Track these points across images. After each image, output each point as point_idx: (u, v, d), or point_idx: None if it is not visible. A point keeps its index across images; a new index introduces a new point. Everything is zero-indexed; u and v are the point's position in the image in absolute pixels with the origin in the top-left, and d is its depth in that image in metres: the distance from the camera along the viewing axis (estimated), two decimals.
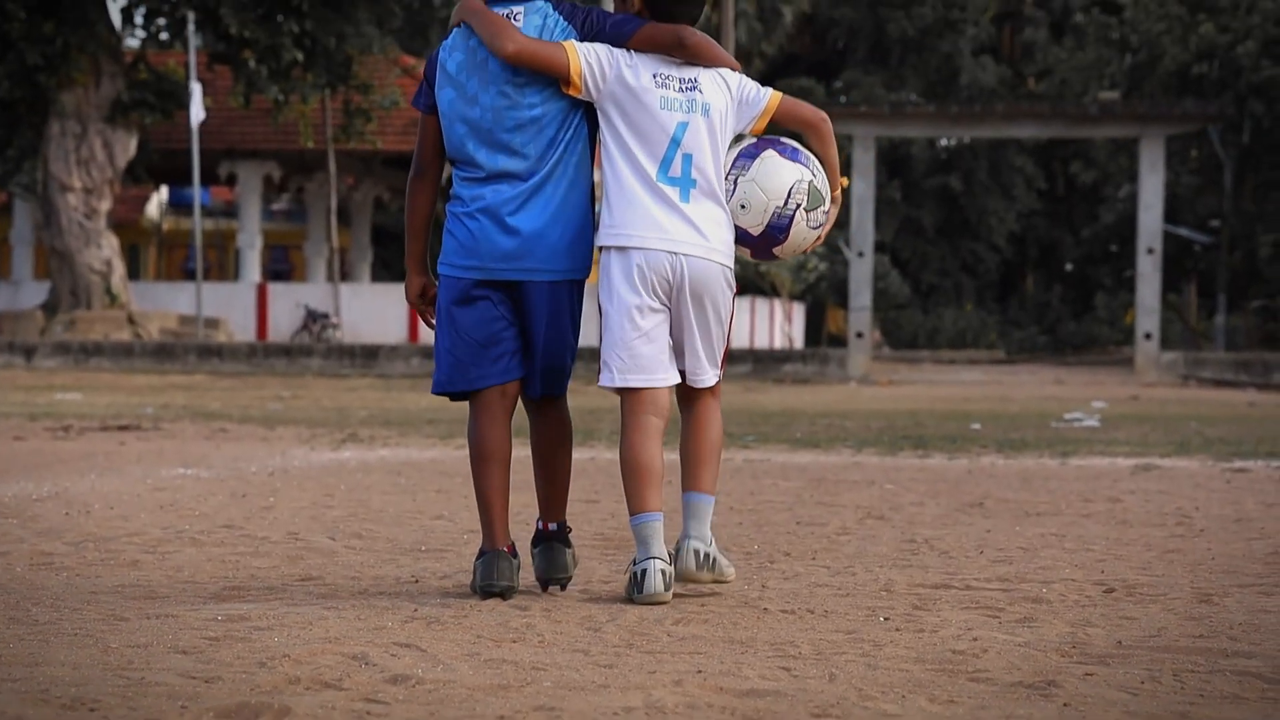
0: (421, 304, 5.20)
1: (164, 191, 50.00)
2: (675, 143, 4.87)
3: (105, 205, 34.13)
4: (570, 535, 5.22)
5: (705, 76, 4.93)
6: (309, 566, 5.68)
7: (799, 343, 50.58)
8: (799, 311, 52.10)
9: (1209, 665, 4.06)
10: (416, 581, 5.36)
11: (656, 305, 4.90)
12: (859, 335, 32.93)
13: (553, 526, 5.18)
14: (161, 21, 33.83)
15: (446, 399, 5.14)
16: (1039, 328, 62.94)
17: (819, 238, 5.03)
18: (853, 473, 9.81)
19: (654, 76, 4.88)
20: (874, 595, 5.16)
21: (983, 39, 66.32)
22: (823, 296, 54.99)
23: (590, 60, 4.85)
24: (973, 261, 63.87)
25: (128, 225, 48.06)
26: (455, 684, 3.75)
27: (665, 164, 4.87)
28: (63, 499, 7.83)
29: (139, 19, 33.90)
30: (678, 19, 4.91)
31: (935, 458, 11.13)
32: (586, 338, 7.10)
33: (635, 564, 4.92)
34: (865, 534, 6.76)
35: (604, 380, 4.98)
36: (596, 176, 5.01)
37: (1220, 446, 12.12)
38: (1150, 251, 33.32)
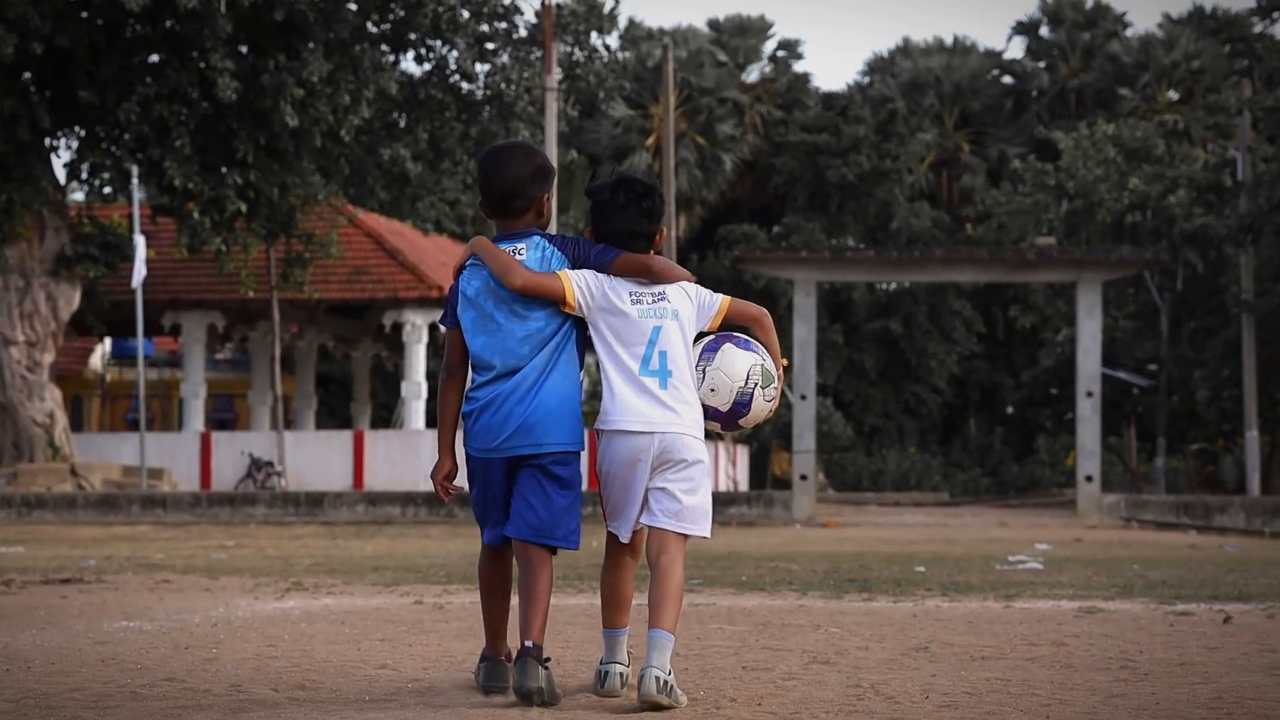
0: (444, 484, 6.34)
1: (108, 343, 49.91)
2: (652, 343, 6.05)
3: (48, 358, 34.06)
4: (548, 662, 5.97)
5: (671, 290, 6.12)
6: None
7: (744, 485, 50.60)
8: (743, 454, 52.17)
9: None
10: None
11: (642, 473, 6.01)
12: (803, 478, 32.97)
13: (529, 644, 5.93)
14: (106, 175, 33.94)
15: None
16: (982, 470, 63.15)
17: (772, 409, 6.19)
18: (798, 616, 9.80)
19: (630, 294, 6.08)
20: None
21: (920, 185, 67.07)
22: (767, 439, 55.10)
23: (581, 286, 6.05)
24: (915, 404, 64.17)
25: (71, 377, 47.91)
26: None
27: (645, 360, 6.04)
28: (3, 655, 7.75)
29: (83, 173, 34.00)
30: (633, 247, 6.13)
31: (880, 601, 11.12)
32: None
33: (601, 664, 6.09)
34: (811, 679, 6.75)
35: (614, 529, 6.11)
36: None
37: (1163, 589, 12.16)
38: (1089, 395, 33.55)
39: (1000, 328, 66.31)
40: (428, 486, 36.01)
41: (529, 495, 6.08)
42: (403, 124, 36.80)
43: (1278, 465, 49.15)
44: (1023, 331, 61.08)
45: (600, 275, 6.10)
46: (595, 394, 37.80)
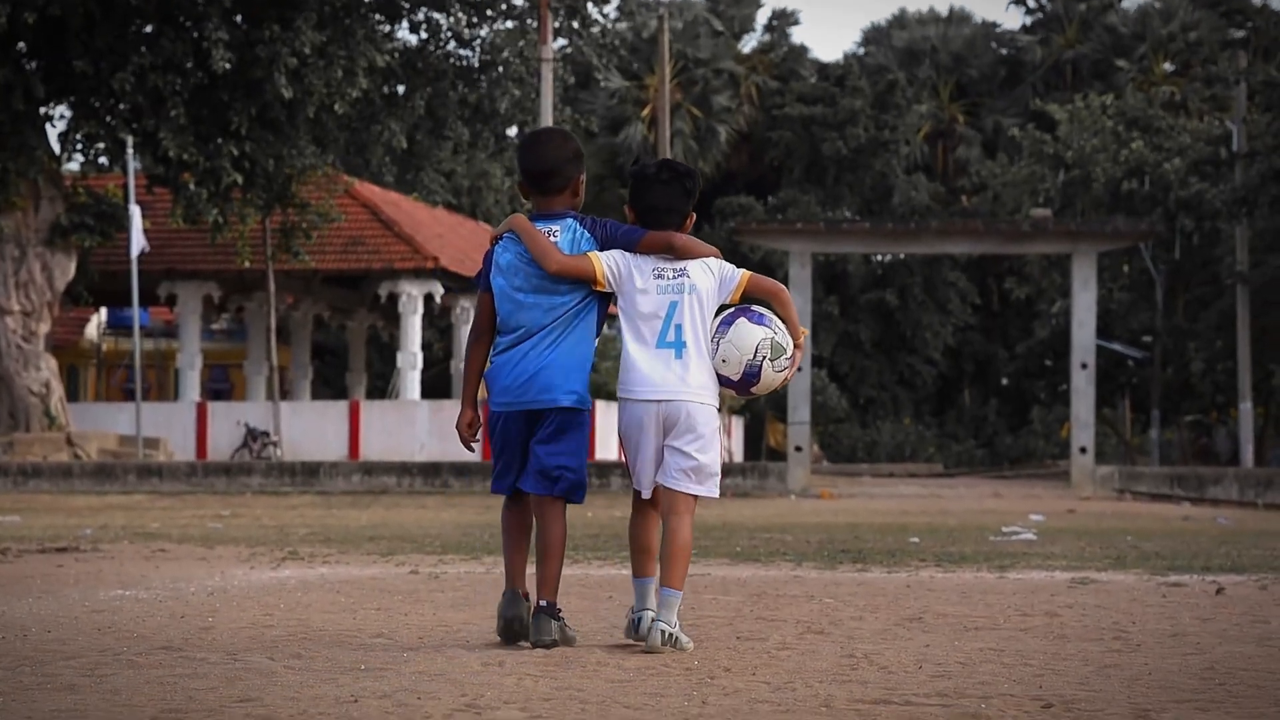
0: (467, 432, 6.82)
1: (103, 313, 49.88)
2: (669, 318, 6.52)
3: (44, 328, 34.05)
4: (561, 614, 6.58)
5: (693, 266, 6.58)
6: (247, 688, 5.65)
7: (739, 457, 50.64)
8: (738, 426, 52.20)
9: None
10: (356, 701, 5.34)
11: (656, 436, 6.52)
12: (798, 449, 33.00)
13: (544, 603, 6.54)
14: (100, 145, 33.88)
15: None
16: (976, 441, 63.19)
17: (786, 378, 6.63)
18: (792, 587, 9.82)
19: (653, 270, 6.56)
20: (814, 711, 5.16)
21: (916, 157, 66.98)
22: (761, 411, 55.14)
23: (610, 266, 6.55)
24: (910, 375, 64.20)
25: (67, 347, 47.88)
26: None
27: (662, 334, 6.52)
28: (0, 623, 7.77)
29: (78, 143, 33.95)
30: (666, 227, 6.59)
31: (874, 571, 11.15)
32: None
33: (634, 612, 6.66)
34: (805, 649, 6.77)
35: (639, 487, 6.62)
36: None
37: (1156, 561, 12.19)
38: (1084, 366, 33.56)
39: (995, 299, 66.32)
40: (424, 457, 36.06)
41: (540, 450, 6.58)
42: (400, 92, 36.73)
43: (1271, 437, 49.23)
44: (1017, 303, 61.09)
45: (627, 254, 6.58)
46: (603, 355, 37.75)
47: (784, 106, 65.64)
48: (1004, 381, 66.80)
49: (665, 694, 5.50)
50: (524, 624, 6.60)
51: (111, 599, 9.09)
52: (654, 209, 6.62)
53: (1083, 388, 33.77)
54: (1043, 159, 50.84)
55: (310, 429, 39.17)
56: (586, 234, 6.62)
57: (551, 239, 6.59)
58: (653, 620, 6.49)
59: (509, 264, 6.66)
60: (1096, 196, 48.02)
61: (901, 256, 60.65)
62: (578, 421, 6.62)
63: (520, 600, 6.65)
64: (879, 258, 62.49)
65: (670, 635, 6.45)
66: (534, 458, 6.60)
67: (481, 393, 6.88)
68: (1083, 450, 33.73)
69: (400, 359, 41.08)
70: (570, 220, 6.65)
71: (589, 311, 6.63)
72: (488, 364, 6.76)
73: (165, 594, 9.41)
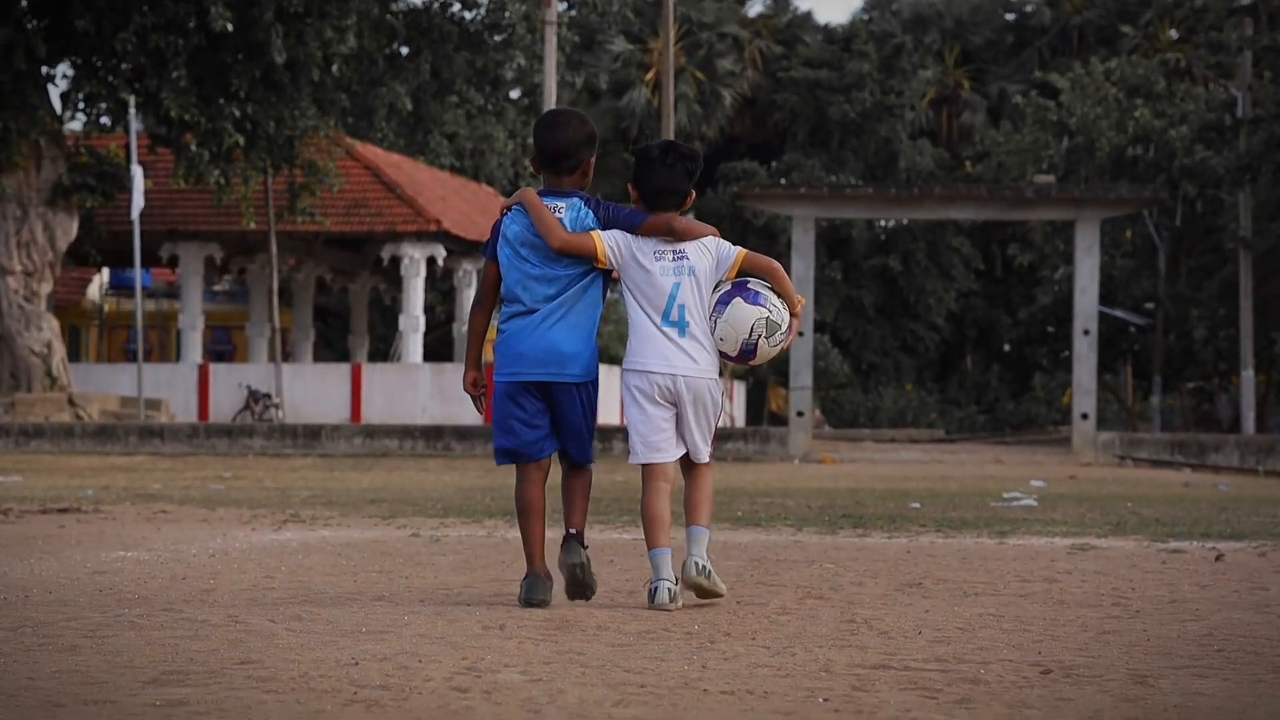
0: (474, 390, 7.10)
1: (105, 273, 49.85)
2: (672, 298, 6.87)
3: (46, 288, 34.04)
4: (586, 547, 6.97)
5: (691, 247, 6.92)
6: (248, 650, 5.66)
7: (740, 422, 50.64)
8: (740, 391, 52.20)
9: None
10: (356, 664, 5.35)
11: (663, 408, 6.89)
12: (800, 414, 33.00)
13: (572, 531, 6.93)
14: (102, 106, 33.82)
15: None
16: (978, 407, 63.18)
17: (782, 348, 7.03)
18: (793, 552, 9.84)
19: (654, 253, 6.88)
20: (813, 676, 5.18)
21: (921, 123, 66.84)
22: (764, 376, 55.14)
23: (612, 245, 6.86)
24: (912, 341, 64.16)
25: (69, 307, 47.86)
26: None
27: (666, 313, 6.87)
28: (1, 584, 7.79)
29: (80, 103, 33.89)
30: (668, 207, 6.92)
31: (875, 537, 11.17)
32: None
33: (651, 583, 6.87)
34: (805, 614, 6.79)
35: (632, 459, 6.99)
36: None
37: (1156, 527, 12.20)
38: (1086, 333, 33.53)
39: (998, 266, 66.24)
40: (425, 420, 36.09)
41: (558, 419, 6.92)
42: (404, 53, 36.65)
43: (1273, 404, 49.21)
44: (1020, 269, 60.99)
45: (628, 236, 6.91)
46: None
47: (789, 70, 65.48)
48: (1006, 347, 66.77)
49: (666, 658, 5.51)
50: (547, 605, 6.83)
51: (113, 560, 9.10)
52: (658, 190, 6.94)
53: (1085, 354, 33.75)
54: (1046, 126, 50.72)
55: (312, 391, 39.18)
56: (590, 214, 6.93)
57: (557, 215, 6.88)
58: (686, 557, 6.88)
59: (516, 235, 6.94)
60: (1100, 163, 47.92)
61: (905, 222, 60.56)
62: (587, 391, 6.94)
63: (543, 582, 6.89)
64: (882, 223, 62.40)
65: (703, 567, 6.86)
66: (566, 431, 6.95)
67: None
68: (1084, 416, 33.72)
69: (402, 322, 41.05)
70: (576, 200, 6.95)
71: (593, 286, 6.94)
72: (492, 331, 7.07)
73: (166, 555, 9.43)
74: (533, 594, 6.83)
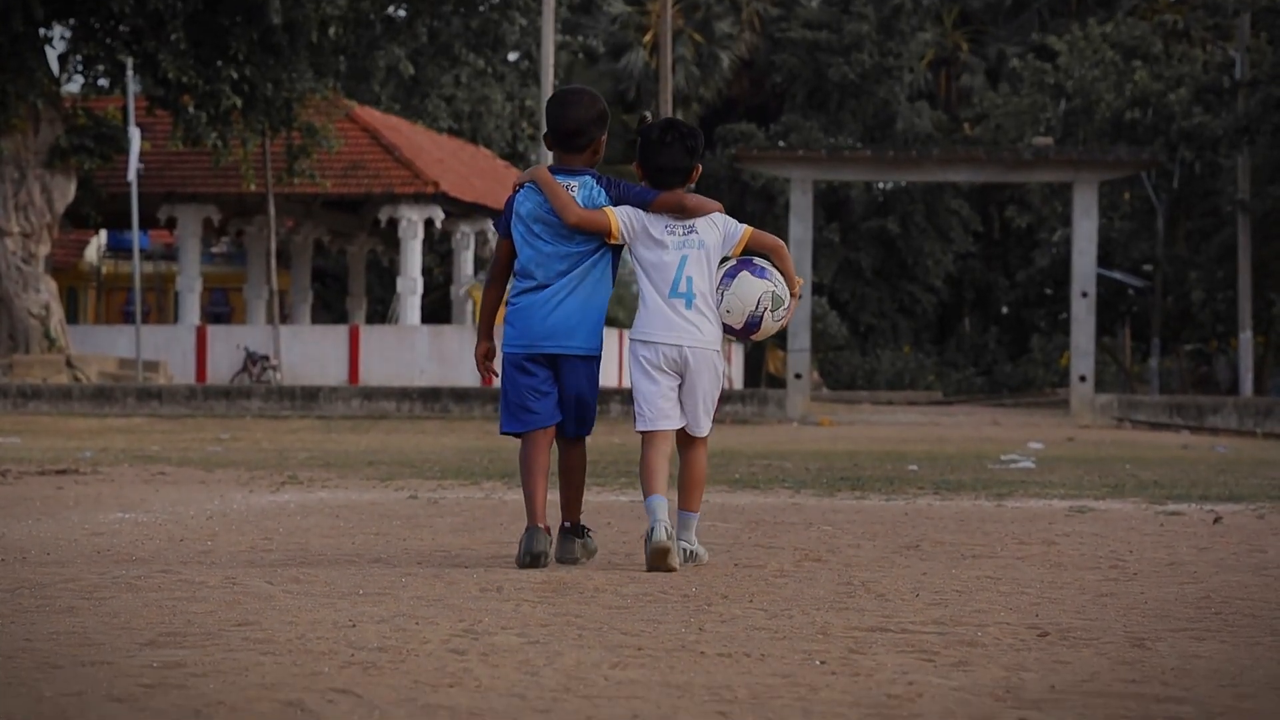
0: (485, 361, 7.25)
1: (103, 235, 49.80)
2: (680, 270, 7.04)
3: (44, 249, 34.02)
4: (586, 531, 7.18)
5: (700, 222, 7.09)
6: (246, 611, 5.66)
7: (739, 384, 50.65)
8: (738, 353, 52.21)
9: (1141, 711, 4.09)
10: (354, 625, 5.35)
11: (668, 378, 7.05)
12: (797, 376, 33.02)
13: (567, 524, 7.12)
14: (100, 68, 33.75)
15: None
16: (976, 369, 63.20)
17: (783, 323, 7.21)
18: (790, 514, 9.84)
19: (665, 228, 7.06)
20: (810, 638, 5.18)
21: (920, 85, 66.71)
22: (755, 342, 55.12)
23: (625, 221, 7.04)
24: (910, 303, 64.15)
25: (66, 269, 47.83)
26: None
27: (674, 285, 7.04)
28: None
29: (77, 65, 33.81)
30: (672, 185, 7.07)
31: (872, 499, 11.18)
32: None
33: (648, 527, 6.92)
34: (802, 576, 6.79)
35: (637, 426, 7.13)
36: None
37: (1154, 489, 12.21)
38: (1084, 295, 33.54)
39: (996, 228, 66.20)
40: (423, 382, 36.09)
41: (562, 390, 7.07)
42: (402, 15, 36.55)
43: (1271, 366, 49.24)
44: (1018, 232, 60.97)
45: (639, 212, 7.07)
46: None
47: (787, 31, 65.32)
48: (1004, 310, 66.78)
49: (663, 620, 5.52)
50: (546, 559, 6.96)
51: (111, 522, 9.11)
52: (661, 169, 7.10)
53: (1083, 316, 33.76)
54: (1044, 89, 50.64)
55: (310, 353, 39.18)
56: (603, 192, 7.08)
57: (570, 193, 7.03)
58: (669, 533, 6.98)
59: (530, 213, 7.08)
60: (1099, 126, 47.86)
61: (903, 184, 60.51)
62: (592, 365, 7.13)
63: (542, 535, 6.99)
64: (880, 185, 62.34)
65: (690, 552, 7.09)
66: (569, 403, 7.10)
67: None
68: (1082, 379, 33.74)
69: (400, 284, 41.03)
70: (588, 178, 7.10)
71: (604, 261, 7.11)
72: (505, 305, 7.19)
73: (164, 517, 9.43)
74: (533, 545, 6.92)
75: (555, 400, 7.10)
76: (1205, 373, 54.59)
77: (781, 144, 58.27)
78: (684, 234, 7.09)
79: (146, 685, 4.26)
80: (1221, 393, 47.70)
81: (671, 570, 6.85)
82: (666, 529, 6.86)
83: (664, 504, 6.92)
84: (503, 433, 7.25)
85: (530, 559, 6.90)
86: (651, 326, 7.08)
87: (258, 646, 4.92)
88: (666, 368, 7.06)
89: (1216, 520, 9.55)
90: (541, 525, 7.00)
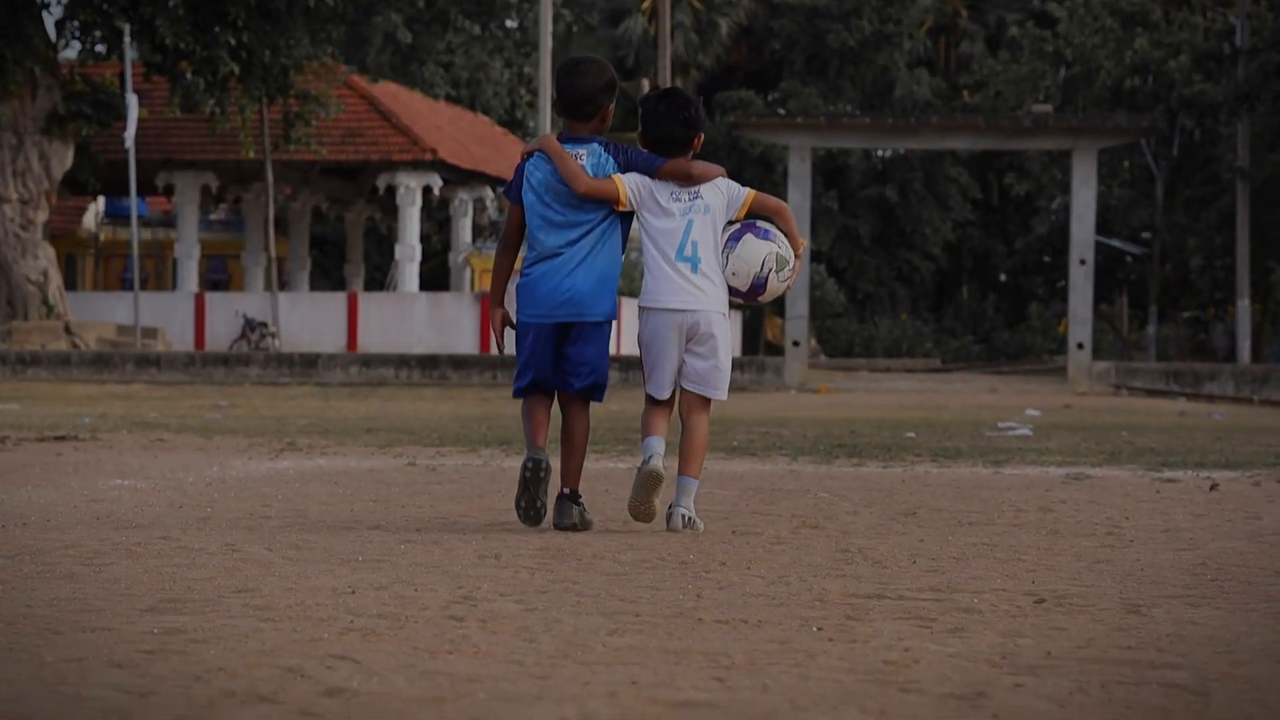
0: (501, 328, 7.32)
1: (101, 202, 49.73)
2: (686, 235, 7.15)
3: (42, 216, 33.99)
4: (581, 500, 7.18)
5: (706, 188, 7.21)
6: (245, 578, 5.68)
7: (737, 351, 50.66)
8: (736, 320, 52.22)
9: (1136, 677, 4.10)
10: (353, 592, 5.37)
11: (674, 343, 7.15)
12: (795, 344, 33.03)
13: (566, 490, 7.14)
14: (97, 34, 33.68)
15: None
16: (973, 336, 63.20)
17: (789, 285, 7.33)
18: (788, 481, 9.86)
19: (671, 195, 7.17)
20: (807, 605, 5.20)
21: (919, 52, 66.58)
22: (760, 305, 55.09)
23: (633, 188, 7.14)
24: (908, 271, 64.12)
25: (65, 236, 47.78)
26: (390, 696, 3.77)
27: (680, 249, 7.14)
28: None
29: (75, 31, 33.74)
30: (673, 154, 7.18)
31: (870, 466, 11.19)
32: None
33: (641, 460, 7.12)
34: (800, 543, 6.81)
35: (648, 390, 7.23)
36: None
37: (1151, 456, 12.23)
38: (1082, 262, 33.53)
39: (995, 195, 66.13)
40: (421, 349, 36.09)
41: (571, 356, 7.17)
42: None
43: (1268, 333, 49.26)
44: (1017, 199, 60.91)
45: (646, 179, 7.17)
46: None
47: None
48: (1002, 277, 66.75)
49: (660, 587, 5.53)
50: (547, 469, 7.05)
51: (110, 488, 9.12)
52: (656, 140, 7.23)
53: (1081, 284, 33.75)
54: (1044, 56, 50.56)
55: (308, 320, 39.17)
56: (611, 159, 7.17)
57: (579, 161, 7.15)
58: (673, 507, 7.15)
59: (541, 182, 7.19)
60: (1098, 93, 47.80)
61: (902, 152, 60.43)
62: (604, 330, 7.22)
63: (542, 454, 7.13)
64: (879, 153, 62.25)
65: (688, 518, 7.12)
66: (565, 361, 7.19)
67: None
68: (1080, 346, 33.75)
69: (398, 251, 41.00)
70: (596, 145, 7.20)
71: (613, 228, 7.22)
72: (517, 275, 7.30)
73: (164, 484, 9.45)
74: (535, 454, 7.04)
75: (566, 367, 7.21)
76: (1203, 340, 54.61)
77: (780, 111, 58.16)
78: (689, 199, 7.20)
79: (147, 651, 4.28)
80: (1219, 360, 47.72)
81: (651, 514, 7.08)
82: (659, 459, 7.02)
83: (662, 443, 7.10)
84: (515, 394, 7.36)
85: (533, 464, 7.00)
86: (659, 292, 7.19)
87: (257, 613, 4.93)
88: (675, 333, 7.16)
89: (1213, 487, 9.57)
90: (543, 447, 7.15)
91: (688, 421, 7.26)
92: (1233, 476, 10.43)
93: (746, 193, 7.31)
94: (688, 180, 7.23)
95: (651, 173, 7.22)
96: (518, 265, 7.39)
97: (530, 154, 7.29)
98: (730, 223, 7.30)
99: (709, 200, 7.23)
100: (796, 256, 7.29)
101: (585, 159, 7.19)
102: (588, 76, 7.26)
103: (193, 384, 27.51)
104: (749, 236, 7.21)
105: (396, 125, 39.92)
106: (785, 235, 7.28)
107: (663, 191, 7.20)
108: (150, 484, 9.43)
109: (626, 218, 7.29)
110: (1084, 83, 48.53)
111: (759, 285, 7.20)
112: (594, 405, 7.43)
